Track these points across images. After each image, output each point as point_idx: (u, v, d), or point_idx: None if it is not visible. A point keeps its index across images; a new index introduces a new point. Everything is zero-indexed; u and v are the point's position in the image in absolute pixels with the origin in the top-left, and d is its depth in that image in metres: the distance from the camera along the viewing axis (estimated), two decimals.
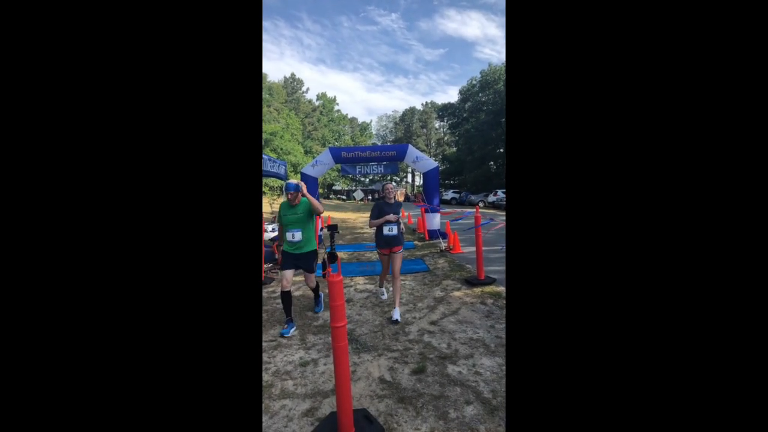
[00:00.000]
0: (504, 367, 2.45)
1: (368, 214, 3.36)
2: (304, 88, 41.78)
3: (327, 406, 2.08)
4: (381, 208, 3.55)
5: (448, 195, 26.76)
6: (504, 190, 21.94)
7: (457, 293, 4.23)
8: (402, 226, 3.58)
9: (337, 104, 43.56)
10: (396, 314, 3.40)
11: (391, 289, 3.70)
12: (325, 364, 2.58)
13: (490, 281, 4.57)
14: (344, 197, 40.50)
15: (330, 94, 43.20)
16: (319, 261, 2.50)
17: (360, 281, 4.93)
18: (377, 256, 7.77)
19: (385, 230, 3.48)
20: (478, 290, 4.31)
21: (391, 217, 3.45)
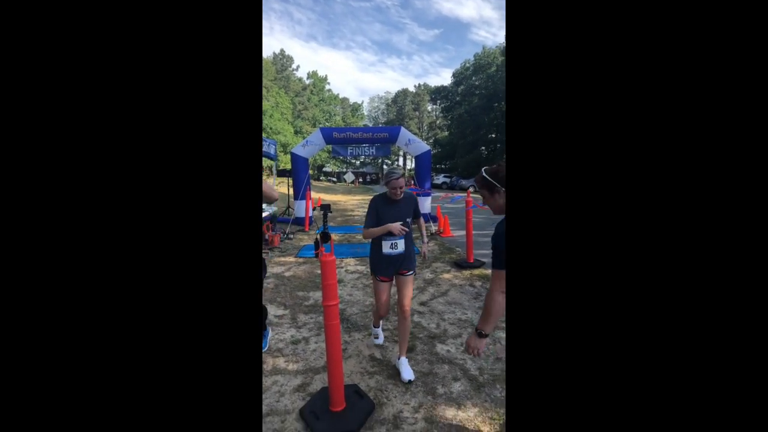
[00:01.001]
0: (491, 347, 2.52)
1: (359, 198, 2.62)
2: (294, 66, 40.48)
3: (318, 382, 2.12)
4: (379, 207, 2.14)
5: (439, 179, 26.80)
6: None
7: (446, 275, 4.30)
8: (426, 238, 2.30)
9: (328, 83, 42.55)
10: (407, 371, 2.15)
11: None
12: (316, 342, 2.62)
13: (479, 264, 4.65)
14: (335, 179, 40.17)
15: (321, 73, 42.14)
16: (311, 242, 2.49)
17: (351, 263, 4.96)
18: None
19: (386, 247, 2.12)
20: (467, 273, 4.39)
21: (394, 227, 2.04)
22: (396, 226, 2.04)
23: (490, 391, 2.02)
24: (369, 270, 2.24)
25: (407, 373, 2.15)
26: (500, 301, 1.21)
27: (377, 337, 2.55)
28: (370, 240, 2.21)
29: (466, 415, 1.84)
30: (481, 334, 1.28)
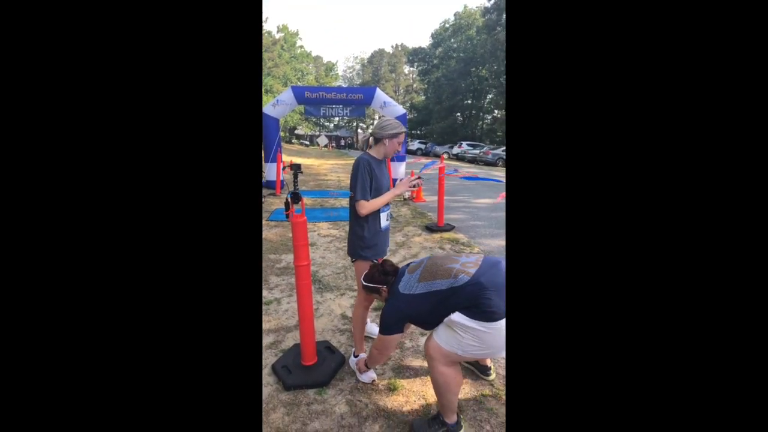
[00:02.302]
0: None
1: (333, 162, 2.21)
2: (263, 17, 37.41)
3: (290, 340, 2.18)
4: (374, 169, 1.73)
5: (414, 145, 26.60)
6: (468, 143, 22.19)
7: (417, 239, 4.41)
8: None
9: (300, 39, 39.90)
10: (375, 328, 2.10)
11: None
12: (288, 303, 2.66)
13: (449, 228, 4.80)
14: (307, 142, 38.90)
15: (292, 27, 39.31)
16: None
17: (324, 226, 4.96)
18: (343, 204, 6.68)
19: (384, 220, 1.81)
20: (437, 236, 4.52)
21: (408, 184, 1.74)
22: (408, 183, 1.73)
23: None
24: (351, 250, 1.87)
25: (376, 329, 2.25)
26: (375, 353, 1.64)
27: (370, 373, 1.84)
28: (347, 208, 1.95)
29: None
30: (367, 366, 1.78)
